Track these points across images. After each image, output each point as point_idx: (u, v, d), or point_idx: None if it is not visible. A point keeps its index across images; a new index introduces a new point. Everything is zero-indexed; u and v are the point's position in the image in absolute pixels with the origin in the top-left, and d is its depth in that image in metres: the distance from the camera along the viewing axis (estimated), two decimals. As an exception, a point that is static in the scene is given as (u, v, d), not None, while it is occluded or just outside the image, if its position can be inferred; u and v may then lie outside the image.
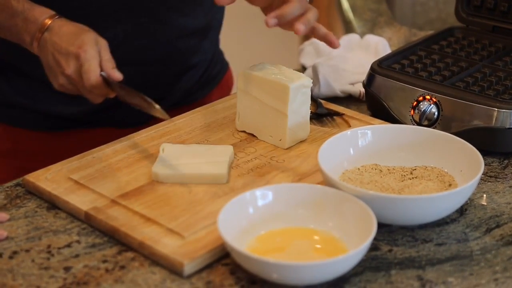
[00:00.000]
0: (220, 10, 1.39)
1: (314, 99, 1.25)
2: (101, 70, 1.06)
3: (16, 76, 1.27)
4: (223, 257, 0.95)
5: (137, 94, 1.07)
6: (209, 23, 1.35)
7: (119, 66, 1.11)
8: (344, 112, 1.26)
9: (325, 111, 1.26)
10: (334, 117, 1.25)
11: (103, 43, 1.08)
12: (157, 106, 1.05)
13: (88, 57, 1.06)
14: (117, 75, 1.06)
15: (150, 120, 1.22)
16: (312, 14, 1.13)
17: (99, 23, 1.14)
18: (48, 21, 1.09)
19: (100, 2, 1.19)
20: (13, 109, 1.28)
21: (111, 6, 1.20)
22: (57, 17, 1.10)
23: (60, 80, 1.08)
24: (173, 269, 0.93)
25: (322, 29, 1.15)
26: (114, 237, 0.98)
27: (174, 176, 1.06)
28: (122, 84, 1.07)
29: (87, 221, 1.01)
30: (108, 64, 1.07)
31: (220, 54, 1.46)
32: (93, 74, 1.05)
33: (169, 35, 1.27)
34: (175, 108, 1.29)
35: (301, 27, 1.10)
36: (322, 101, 1.29)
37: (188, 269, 0.92)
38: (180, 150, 1.11)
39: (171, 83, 1.33)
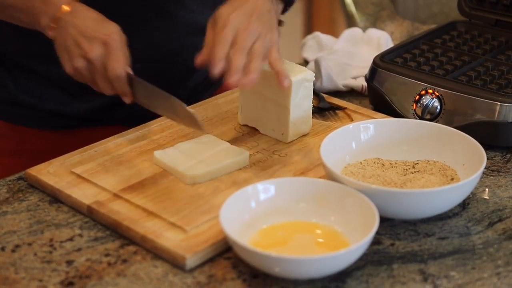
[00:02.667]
0: None
1: (316, 93, 1.25)
2: None
3: (22, 74, 1.27)
4: (225, 251, 0.95)
5: (164, 94, 1.07)
6: None
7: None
8: (346, 106, 1.25)
9: (327, 105, 1.26)
10: (336, 111, 1.25)
11: (124, 38, 1.08)
12: (195, 116, 1.05)
13: (117, 46, 1.06)
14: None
15: (157, 117, 1.22)
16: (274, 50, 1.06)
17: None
18: (69, 4, 1.08)
19: None
20: (18, 108, 1.28)
21: (118, 1, 1.19)
22: (76, 2, 1.09)
23: (77, 63, 1.07)
24: (175, 263, 0.93)
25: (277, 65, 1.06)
26: (116, 231, 0.98)
27: (210, 173, 1.06)
28: (145, 81, 1.08)
29: (89, 215, 1.01)
30: (127, 60, 1.08)
31: None
32: (120, 65, 1.06)
33: (177, 32, 1.27)
34: None
35: (287, 82, 1.05)
36: (324, 95, 1.29)
37: (190, 262, 0.92)
38: (191, 147, 1.11)
39: (178, 81, 1.32)
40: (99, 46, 1.06)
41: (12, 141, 1.30)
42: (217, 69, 1.01)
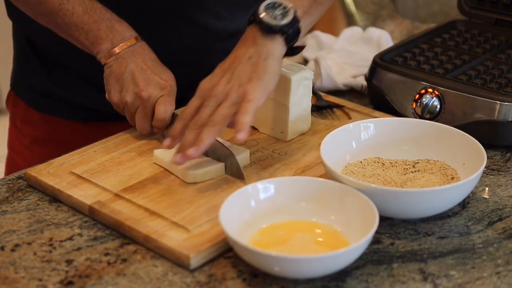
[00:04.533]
0: None
1: (313, 92, 1.25)
2: None
3: (56, 67, 1.28)
4: (228, 250, 0.95)
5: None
6: None
7: None
8: (344, 104, 1.25)
9: (325, 103, 1.26)
10: (334, 109, 1.25)
11: (176, 87, 1.14)
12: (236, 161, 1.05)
13: (171, 92, 1.12)
14: None
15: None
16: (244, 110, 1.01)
17: (133, 25, 1.14)
18: (136, 39, 1.14)
19: (135, 6, 1.19)
20: (50, 99, 1.30)
21: (147, 9, 1.20)
22: (141, 40, 1.15)
23: (127, 97, 1.12)
24: (179, 263, 0.93)
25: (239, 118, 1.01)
26: (118, 231, 0.98)
27: (211, 171, 1.06)
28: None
29: (91, 215, 1.01)
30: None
31: None
32: (170, 110, 1.11)
33: (207, 38, 1.27)
34: None
35: (240, 135, 0.99)
36: (322, 94, 1.29)
37: (194, 262, 0.92)
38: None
39: None
40: (155, 88, 1.11)
41: (43, 130, 1.32)
42: (165, 143, 1.04)
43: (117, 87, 1.12)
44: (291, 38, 1.07)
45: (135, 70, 1.11)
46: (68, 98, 1.29)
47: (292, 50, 1.09)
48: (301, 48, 1.12)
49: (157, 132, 1.14)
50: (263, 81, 1.03)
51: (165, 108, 1.11)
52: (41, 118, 1.32)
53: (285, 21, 1.06)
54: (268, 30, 1.05)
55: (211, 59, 1.29)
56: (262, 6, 1.06)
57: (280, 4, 1.07)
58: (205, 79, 1.06)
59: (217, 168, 1.06)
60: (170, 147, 1.04)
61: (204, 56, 1.28)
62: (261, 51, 1.05)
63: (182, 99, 1.27)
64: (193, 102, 1.05)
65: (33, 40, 1.29)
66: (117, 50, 1.12)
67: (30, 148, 1.33)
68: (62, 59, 1.27)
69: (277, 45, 1.06)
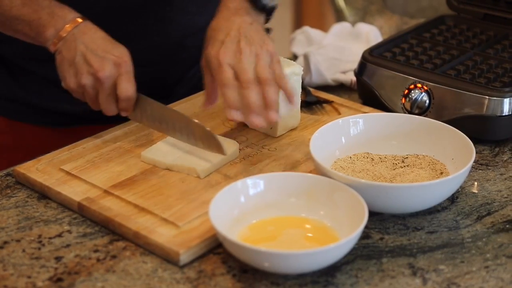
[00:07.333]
0: None
1: (303, 87, 1.25)
2: None
3: (21, 73, 1.27)
4: (218, 246, 0.95)
5: (177, 114, 1.08)
6: None
7: None
8: (333, 100, 1.26)
9: (314, 99, 1.26)
10: (323, 104, 1.25)
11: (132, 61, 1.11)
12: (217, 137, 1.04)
13: (129, 69, 1.08)
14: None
15: None
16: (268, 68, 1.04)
17: (103, 25, 1.13)
18: (80, 20, 1.09)
19: (104, 4, 1.18)
20: (16, 104, 1.28)
21: (116, 8, 1.19)
22: (86, 19, 1.11)
23: (84, 79, 1.07)
24: (169, 259, 0.93)
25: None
26: (108, 228, 0.98)
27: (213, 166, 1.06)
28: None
29: (80, 212, 1.01)
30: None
31: None
32: (132, 86, 1.08)
33: (176, 34, 1.26)
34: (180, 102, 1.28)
35: (273, 116, 1.02)
36: (311, 89, 1.29)
37: (184, 258, 0.92)
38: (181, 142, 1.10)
39: (178, 80, 1.32)
40: (111, 67, 1.07)
41: (10, 137, 1.30)
42: (236, 116, 1.02)
43: (71, 71, 1.08)
44: (268, 19, 1.11)
45: (86, 51, 1.07)
46: (35, 102, 1.27)
47: None
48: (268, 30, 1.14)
49: (124, 114, 1.11)
50: (271, 41, 1.06)
51: (126, 86, 1.07)
52: (8, 124, 1.30)
53: (275, 2, 1.09)
54: (262, 8, 1.08)
55: (181, 55, 1.29)
56: None
57: None
58: (220, 51, 1.03)
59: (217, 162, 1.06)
60: (237, 118, 1.02)
61: (174, 53, 1.28)
62: (256, 20, 1.08)
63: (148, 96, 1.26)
64: (225, 69, 1.02)
65: None
66: (62, 34, 1.08)
67: None
68: (26, 66, 1.25)
69: (262, 20, 1.10)
